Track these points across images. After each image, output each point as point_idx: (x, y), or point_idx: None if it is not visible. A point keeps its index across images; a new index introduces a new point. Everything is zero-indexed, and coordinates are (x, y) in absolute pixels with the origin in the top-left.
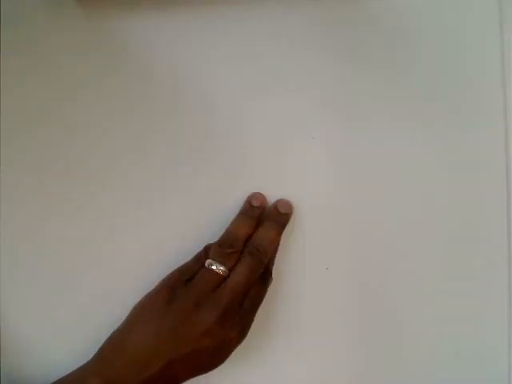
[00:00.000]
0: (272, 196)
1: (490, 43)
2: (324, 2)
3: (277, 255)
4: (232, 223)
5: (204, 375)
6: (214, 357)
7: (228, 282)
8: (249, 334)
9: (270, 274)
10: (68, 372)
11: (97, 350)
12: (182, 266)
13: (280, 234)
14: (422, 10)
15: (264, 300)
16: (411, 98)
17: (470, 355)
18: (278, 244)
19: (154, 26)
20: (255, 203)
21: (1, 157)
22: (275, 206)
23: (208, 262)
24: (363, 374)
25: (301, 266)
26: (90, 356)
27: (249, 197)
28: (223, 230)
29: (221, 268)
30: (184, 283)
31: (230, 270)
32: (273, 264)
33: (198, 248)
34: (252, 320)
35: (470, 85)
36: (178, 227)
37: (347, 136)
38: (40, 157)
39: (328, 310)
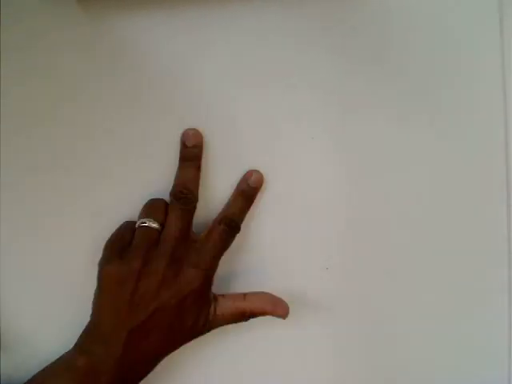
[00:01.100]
0: (272, 196)
1: (490, 43)
2: (324, 1)
3: (276, 255)
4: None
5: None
6: (182, 314)
7: (163, 233)
8: (248, 334)
9: (237, 219)
10: None
11: None
12: (112, 237)
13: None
14: (422, 9)
15: None
16: (411, 99)
17: (470, 355)
18: None
19: (155, 24)
20: (189, 143)
21: (1, 157)
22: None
23: (138, 222)
24: (363, 374)
25: (301, 265)
26: None
27: (183, 137)
28: None
29: (153, 225)
30: (122, 250)
31: (163, 224)
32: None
33: None
34: (215, 265)
35: (470, 85)
36: None
37: (347, 136)
38: (40, 156)
39: (328, 310)
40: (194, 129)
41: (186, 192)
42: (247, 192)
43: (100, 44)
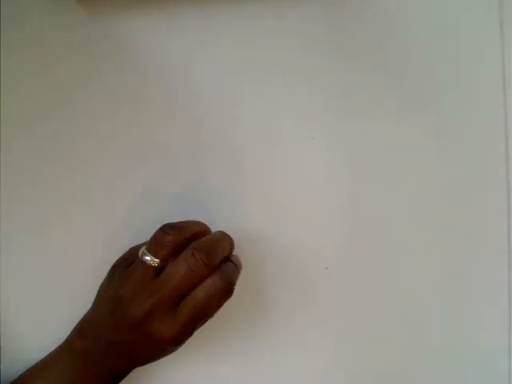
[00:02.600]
0: (271, 196)
1: (490, 43)
2: (324, 2)
3: (276, 255)
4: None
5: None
6: (148, 351)
7: (162, 276)
8: (248, 334)
9: (234, 267)
10: None
11: None
12: (129, 250)
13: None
14: (422, 9)
15: (263, 299)
16: (412, 99)
17: (470, 355)
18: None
19: (154, 24)
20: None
21: (1, 157)
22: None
23: (142, 250)
24: (363, 373)
25: (301, 266)
26: None
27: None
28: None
29: (154, 260)
30: (124, 267)
31: (166, 260)
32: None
33: None
34: (193, 324)
35: (470, 85)
36: None
37: (347, 136)
38: (40, 156)
39: (328, 310)
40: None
41: (212, 258)
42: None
43: (100, 44)
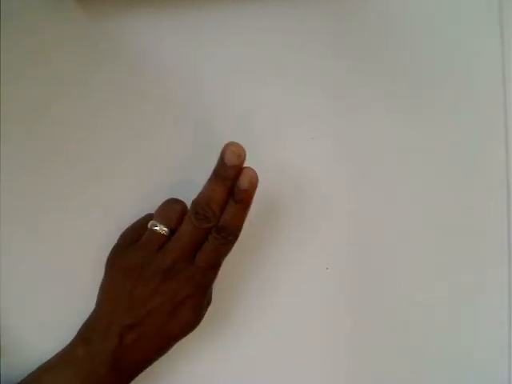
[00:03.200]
0: (271, 196)
1: (490, 43)
2: (325, 2)
3: (276, 254)
4: (204, 186)
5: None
6: (172, 318)
7: (171, 240)
8: (248, 334)
9: (231, 227)
10: None
11: None
12: (129, 228)
13: (228, 190)
14: (422, 9)
15: (263, 299)
16: (412, 99)
17: (470, 355)
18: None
19: (153, 23)
20: (229, 163)
21: (1, 156)
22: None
23: (151, 222)
24: (362, 374)
25: (301, 266)
26: None
27: (222, 152)
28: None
29: (164, 229)
30: (131, 244)
31: (175, 229)
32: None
33: None
34: (211, 277)
35: (470, 85)
36: None
37: (347, 136)
38: (40, 154)
39: (328, 310)
40: (239, 146)
41: (206, 210)
42: (238, 195)
43: (99, 43)
